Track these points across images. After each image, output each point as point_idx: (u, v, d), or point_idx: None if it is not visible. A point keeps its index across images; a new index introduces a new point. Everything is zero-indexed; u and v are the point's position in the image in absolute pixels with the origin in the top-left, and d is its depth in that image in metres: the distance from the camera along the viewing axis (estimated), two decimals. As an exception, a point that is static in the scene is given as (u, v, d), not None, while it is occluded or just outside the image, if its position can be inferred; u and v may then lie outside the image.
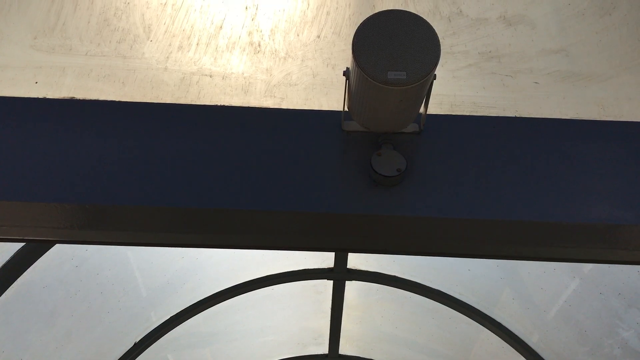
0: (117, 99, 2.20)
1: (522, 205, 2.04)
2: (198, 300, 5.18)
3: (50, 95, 2.20)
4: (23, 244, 3.63)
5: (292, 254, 5.02)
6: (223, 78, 2.28)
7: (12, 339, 4.02)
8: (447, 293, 5.10)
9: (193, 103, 2.21)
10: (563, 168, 2.09)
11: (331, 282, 5.29)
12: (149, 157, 2.07)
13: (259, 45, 2.35)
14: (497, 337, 5.18)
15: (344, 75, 1.97)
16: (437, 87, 2.22)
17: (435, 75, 1.86)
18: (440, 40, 1.82)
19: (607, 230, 2.05)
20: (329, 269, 5.13)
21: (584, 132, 2.16)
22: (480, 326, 5.21)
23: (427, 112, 2.10)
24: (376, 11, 1.99)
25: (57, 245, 3.82)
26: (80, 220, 2.10)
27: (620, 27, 2.41)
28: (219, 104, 2.21)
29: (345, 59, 2.34)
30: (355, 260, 5.05)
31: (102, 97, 2.20)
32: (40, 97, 2.18)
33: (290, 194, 2.04)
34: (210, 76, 2.28)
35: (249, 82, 2.28)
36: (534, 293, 4.74)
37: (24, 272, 3.75)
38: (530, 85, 2.29)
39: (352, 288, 5.45)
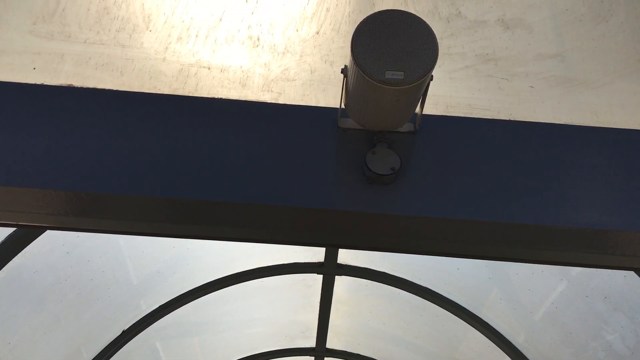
0: (114, 88, 2.20)
1: (513, 208, 2.07)
2: (188, 290, 5.18)
3: (48, 81, 2.20)
4: (14, 228, 3.63)
5: (283, 247, 5.03)
6: (221, 71, 2.29)
7: (0, 322, 4.02)
8: (436, 291, 5.13)
9: (191, 95, 2.22)
10: (554, 172, 2.12)
11: (321, 276, 5.31)
12: (145, 147, 2.08)
13: (258, 39, 2.36)
14: (484, 336, 5.22)
15: (342, 72, 1.98)
16: (433, 88, 2.23)
17: (432, 76, 1.88)
18: (438, 41, 1.84)
19: (595, 235, 2.08)
20: (319, 264, 5.14)
21: (576, 137, 2.18)
22: (468, 325, 5.24)
23: (423, 112, 2.12)
24: (376, 10, 2.00)
25: (48, 231, 3.81)
26: (74, 207, 2.10)
27: (616, 35, 2.43)
28: (216, 97, 2.22)
29: (343, 56, 2.35)
30: (346, 256, 5.07)
31: (100, 86, 2.21)
32: (38, 83, 2.18)
33: (283, 189, 2.06)
34: (209, 68, 2.29)
35: (247, 76, 2.29)
36: (521, 294, 4.78)
37: (14, 256, 3.75)
38: (525, 89, 2.31)
39: (341, 283, 5.47)
